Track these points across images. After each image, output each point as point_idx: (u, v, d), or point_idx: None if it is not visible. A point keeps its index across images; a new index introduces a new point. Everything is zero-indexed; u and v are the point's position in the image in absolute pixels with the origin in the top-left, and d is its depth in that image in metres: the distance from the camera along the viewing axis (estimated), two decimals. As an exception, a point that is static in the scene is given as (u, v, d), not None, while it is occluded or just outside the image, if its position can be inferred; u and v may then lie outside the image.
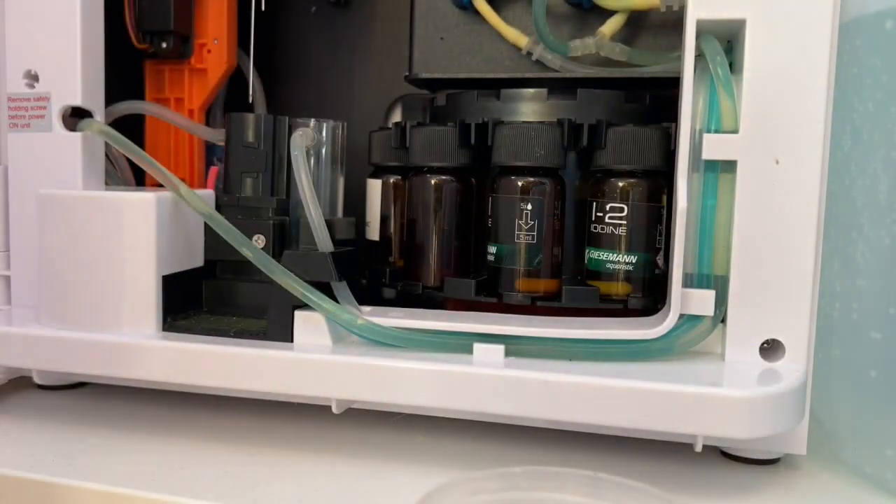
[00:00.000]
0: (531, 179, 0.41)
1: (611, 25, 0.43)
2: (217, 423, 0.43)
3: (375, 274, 0.46)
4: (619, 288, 0.41)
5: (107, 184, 0.46)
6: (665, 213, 0.40)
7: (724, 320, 0.37)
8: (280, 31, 0.57)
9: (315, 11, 0.56)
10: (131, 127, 0.48)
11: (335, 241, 0.41)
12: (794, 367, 0.36)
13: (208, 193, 0.44)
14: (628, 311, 0.40)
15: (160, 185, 0.42)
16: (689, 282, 0.37)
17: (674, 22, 0.43)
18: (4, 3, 0.44)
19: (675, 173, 0.36)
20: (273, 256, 0.40)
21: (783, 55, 0.35)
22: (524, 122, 0.42)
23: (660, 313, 0.39)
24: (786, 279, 0.36)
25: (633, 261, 0.40)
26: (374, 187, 0.48)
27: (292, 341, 0.40)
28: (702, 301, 0.36)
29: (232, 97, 0.54)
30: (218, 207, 0.44)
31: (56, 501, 0.35)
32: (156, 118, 0.51)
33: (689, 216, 0.36)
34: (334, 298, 0.40)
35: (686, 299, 0.36)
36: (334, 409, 0.39)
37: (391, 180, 0.47)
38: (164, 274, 0.42)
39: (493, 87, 0.45)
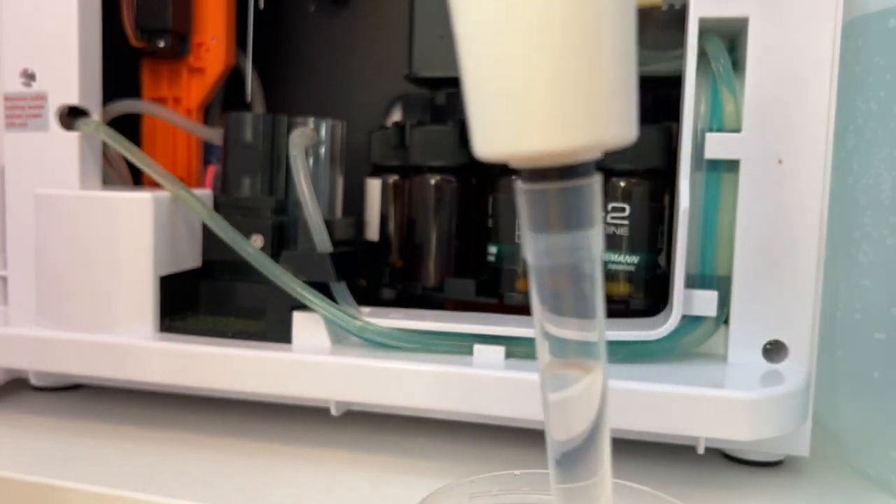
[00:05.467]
0: (532, 179, 0.41)
1: (612, 23, 0.43)
2: (214, 425, 0.43)
3: (375, 274, 0.46)
4: (620, 288, 0.40)
5: (104, 183, 0.46)
6: (667, 213, 0.40)
7: (726, 321, 0.37)
8: (279, 29, 0.57)
9: (314, 10, 0.56)
10: (128, 126, 0.48)
11: (334, 242, 0.41)
12: (797, 368, 0.36)
13: (206, 193, 0.44)
14: (630, 312, 0.40)
15: (158, 185, 0.42)
16: (691, 282, 0.36)
17: (675, 20, 0.43)
18: (1, 1, 0.44)
19: (678, 173, 0.36)
20: (271, 257, 0.40)
21: (786, 54, 0.35)
22: (525, 120, 0.42)
23: (662, 314, 0.38)
24: (789, 280, 0.35)
25: (635, 261, 0.40)
26: (374, 187, 0.47)
27: (291, 342, 0.40)
28: (704, 302, 0.36)
29: (230, 96, 0.53)
30: (216, 207, 0.44)
31: (52, 503, 0.35)
32: (153, 117, 0.50)
33: (691, 216, 0.36)
34: (333, 299, 0.40)
35: (688, 300, 0.36)
36: (333, 411, 0.39)
37: (391, 180, 0.46)
38: (162, 274, 0.41)
39: (494, 85, 0.44)
